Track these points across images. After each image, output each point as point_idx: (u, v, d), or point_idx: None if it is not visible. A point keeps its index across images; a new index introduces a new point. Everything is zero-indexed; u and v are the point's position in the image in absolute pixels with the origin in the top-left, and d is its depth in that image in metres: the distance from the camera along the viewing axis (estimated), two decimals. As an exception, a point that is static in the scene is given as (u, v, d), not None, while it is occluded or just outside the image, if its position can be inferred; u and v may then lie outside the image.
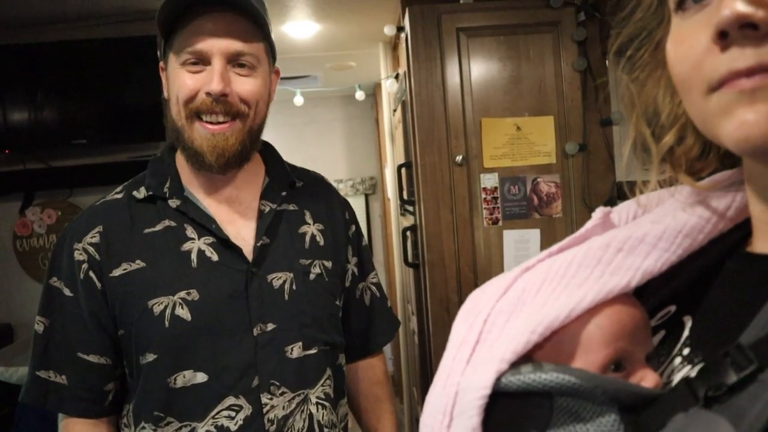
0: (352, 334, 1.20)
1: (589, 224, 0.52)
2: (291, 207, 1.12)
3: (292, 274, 1.06)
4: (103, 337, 1.01)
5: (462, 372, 0.46)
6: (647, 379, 0.46)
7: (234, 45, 0.97)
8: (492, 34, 2.14)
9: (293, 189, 1.15)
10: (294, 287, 1.05)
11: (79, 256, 1.00)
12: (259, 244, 1.04)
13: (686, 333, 0.49)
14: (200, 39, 0.96)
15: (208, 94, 0.97)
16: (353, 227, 1.23)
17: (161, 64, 1.06)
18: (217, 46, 0.96)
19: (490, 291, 0.50)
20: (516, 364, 0.44)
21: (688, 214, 0.47)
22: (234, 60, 0.99)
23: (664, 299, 0.54)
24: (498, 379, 0.43)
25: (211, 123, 0.98)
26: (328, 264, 1.11)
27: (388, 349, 4.85)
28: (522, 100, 2.15)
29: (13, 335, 2.85)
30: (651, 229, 0.47)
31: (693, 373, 0.42)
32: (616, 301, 0.47)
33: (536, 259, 0.51)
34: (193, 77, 0.98)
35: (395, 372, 4.59)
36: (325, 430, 1.06)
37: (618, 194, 2.15)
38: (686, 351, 0.47)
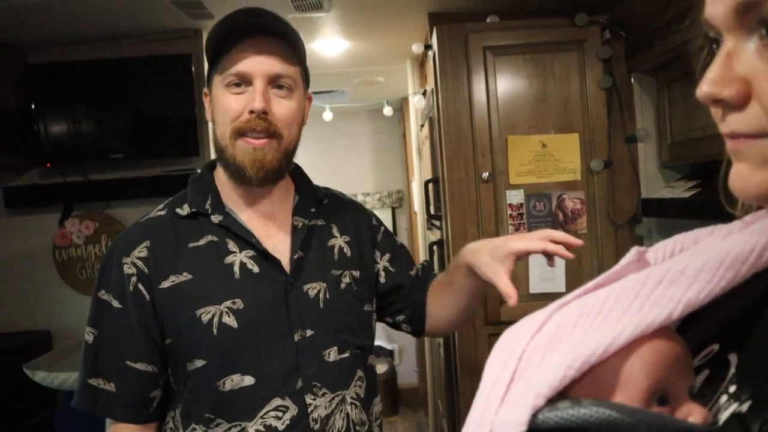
0: (415, 306, 1.28)
1: (624, 261, 0.51)
2: (320, 222, 1.20)
3: (325, 284, 1.13)
4: (150, 346, 1.07)
5: (496, 410, 0.44)
6: (695, 413, 0.43)
7: (274, 67, 1.06)
8: (518, 52, 2.19)
9: (320, 206, 1.23)
10: (327, 296, 1.13)
11: (128, 269, 1.07)
12: (295, 257, 1.12)
13: (732, 370, 0.47)
14: (244, 61, 1.05)
15: (251, 112, 1.05)
16: (381, 229, 1.31)
17: (205, 90, 1.15)
18: (259, 68, 1.05)
19: (524, 328, 0.48)
20: (552, 401, 0.42)
21: (729, 246, 0.46)
22: (274, 81, 1.07)
23: (706, 338, 0.52)
24: (534, 416, 0.41)
25: (252, 138, 1.06)
26: (356, 273, 1.19)
27: (413, 360, 4.87)
28: (548, 117, 2.18)
29: (51, 341, 2.95)
30: (691, 262, 0.46)
31: (742, 410, 0.41)
32: (656, 334, 0.44)
33: (572, 295, 0.50)
34: (237, 98, 1.06)
35: (420, 384, 4.61)
36: (357, 428, 1.13)
37: (643, 211, 2.16)
38: (732, 388, 0.45)
